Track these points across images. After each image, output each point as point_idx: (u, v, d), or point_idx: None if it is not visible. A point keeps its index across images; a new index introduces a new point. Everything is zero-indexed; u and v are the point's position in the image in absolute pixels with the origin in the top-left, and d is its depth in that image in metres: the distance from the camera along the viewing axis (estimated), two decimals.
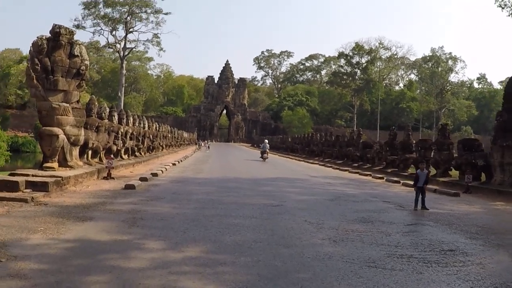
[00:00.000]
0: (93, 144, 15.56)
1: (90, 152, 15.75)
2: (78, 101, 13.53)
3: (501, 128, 15.93)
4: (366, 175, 22.27)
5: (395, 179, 19.28)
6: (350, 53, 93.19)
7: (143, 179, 14.37)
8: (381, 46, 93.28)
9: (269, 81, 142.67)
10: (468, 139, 19.96)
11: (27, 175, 10.89)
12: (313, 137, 45.65)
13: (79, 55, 12.92)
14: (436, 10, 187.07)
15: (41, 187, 10.14)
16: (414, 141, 23.88)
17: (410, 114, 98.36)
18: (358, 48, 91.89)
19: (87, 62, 13.31)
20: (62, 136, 12.47)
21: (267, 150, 34.69)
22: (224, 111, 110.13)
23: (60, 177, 11.10)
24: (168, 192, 12.08)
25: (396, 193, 14.79)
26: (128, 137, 22.54)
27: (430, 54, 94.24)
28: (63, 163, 12.78)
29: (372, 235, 7.59)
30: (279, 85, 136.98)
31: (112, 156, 18.90)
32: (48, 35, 12.30)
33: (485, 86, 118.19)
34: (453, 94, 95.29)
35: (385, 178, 20.28)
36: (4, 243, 5.94)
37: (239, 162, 30.75)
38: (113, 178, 14.55)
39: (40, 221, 7.54)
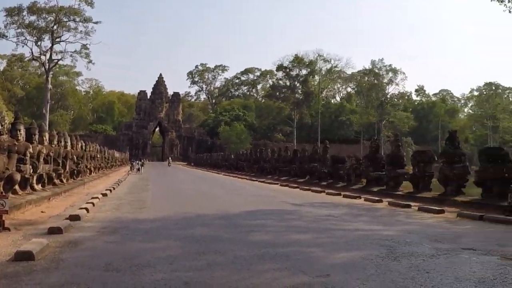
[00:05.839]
0: None
1: None
2: None
3: None
4: (355, 197, 17.89)
5: (403, 202, 15.09)
6: (290, 65, 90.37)
7: (54, 230, 8.48)
8: (320, 57, 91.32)
9: (203, 96, 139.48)
10: (491, 148, 16.22)
11: None
12: (263, 153, 41.50)
13: None
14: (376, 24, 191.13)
15: None
16: (404, 153, 19.97)
17: (350, 126, 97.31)
18: (297, 60, 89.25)
19: None
20: None
21: (171, 162, 69.21)
22: (157, 128, 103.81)
23: None
24: (97, 266, 5.98)
25: (438, 225, 10.31)
26: (41, 159, 16.80)
27: (370, 66, 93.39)
28: None
29: None
30: (214, 100, 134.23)
31: (16, 188, 13.17)
32: None
33: (423, 98, 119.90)
34: (393, 106, 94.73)
35: (387, 201, 15.83)
36: None
37: (186, 185, 25.66)
38: (7, 228, 8.81)
39: None
